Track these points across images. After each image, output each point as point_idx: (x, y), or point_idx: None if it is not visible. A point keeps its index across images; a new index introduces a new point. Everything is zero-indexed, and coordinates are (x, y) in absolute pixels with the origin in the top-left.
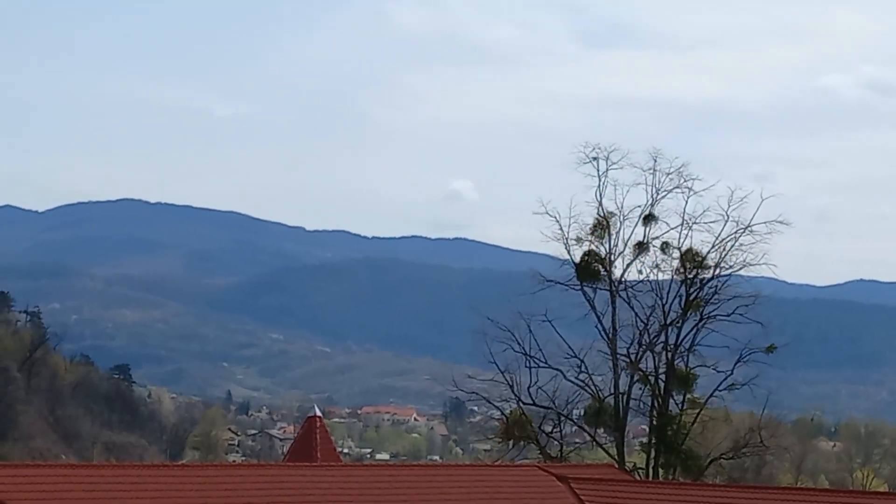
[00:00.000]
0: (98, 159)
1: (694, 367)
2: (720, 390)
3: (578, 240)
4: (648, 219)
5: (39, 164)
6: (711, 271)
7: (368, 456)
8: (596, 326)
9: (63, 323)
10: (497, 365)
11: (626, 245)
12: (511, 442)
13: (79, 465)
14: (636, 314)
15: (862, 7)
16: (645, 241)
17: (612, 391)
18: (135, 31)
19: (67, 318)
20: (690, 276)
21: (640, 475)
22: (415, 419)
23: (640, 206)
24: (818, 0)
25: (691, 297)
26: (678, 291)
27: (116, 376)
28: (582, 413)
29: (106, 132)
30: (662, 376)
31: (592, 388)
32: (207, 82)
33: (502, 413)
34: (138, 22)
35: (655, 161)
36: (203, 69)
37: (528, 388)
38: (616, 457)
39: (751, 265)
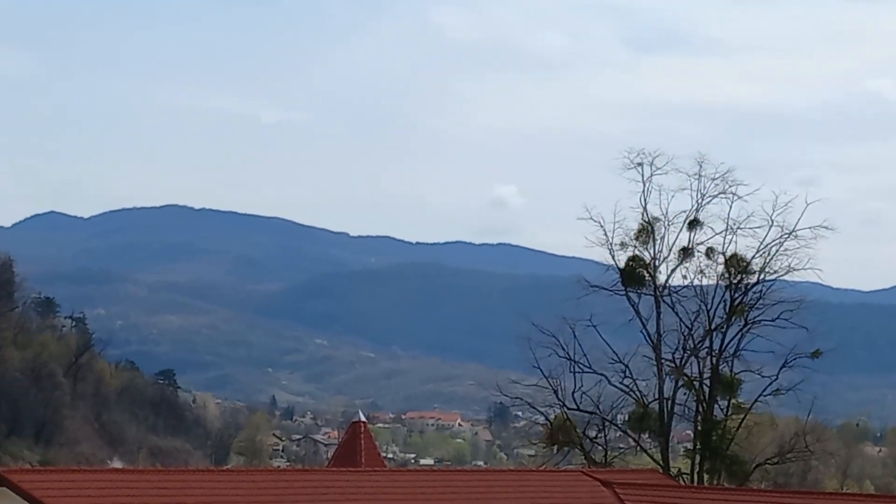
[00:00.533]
0: (143, 165)
1: (739, 372)
2: (765, 395)
3: (623, 245)
4: (693, 224)
5: (84, 170)
6: (756, 276)
7: (413, 461)
8: (640, 331)
9: (108, 328)
10: (541, 370)
11: (670, 250)
12: (555, 447)
13: (124, 470)
14: (681, 319)
15: None
16: (689, 246)
17: (657, 396)
18: (181, 39)
19: (113, 324)
20: (735, 281)
21: (684, 480)
22: (459, 424)
23: (684, 212)
24: (865, 5)
25: (736, 302)
26: (723, 296)
27: (161, 381)
28: (626, 418)
29: (151, 138)
30: (707, 381)
31: (637, 393)
32: (254, 89)
33: (547, 418)
34: (185, 29)
35: (700, 166)
36: (250, 76)
37: (573, 393)
38: (661, 462)
39: (796, 270)
